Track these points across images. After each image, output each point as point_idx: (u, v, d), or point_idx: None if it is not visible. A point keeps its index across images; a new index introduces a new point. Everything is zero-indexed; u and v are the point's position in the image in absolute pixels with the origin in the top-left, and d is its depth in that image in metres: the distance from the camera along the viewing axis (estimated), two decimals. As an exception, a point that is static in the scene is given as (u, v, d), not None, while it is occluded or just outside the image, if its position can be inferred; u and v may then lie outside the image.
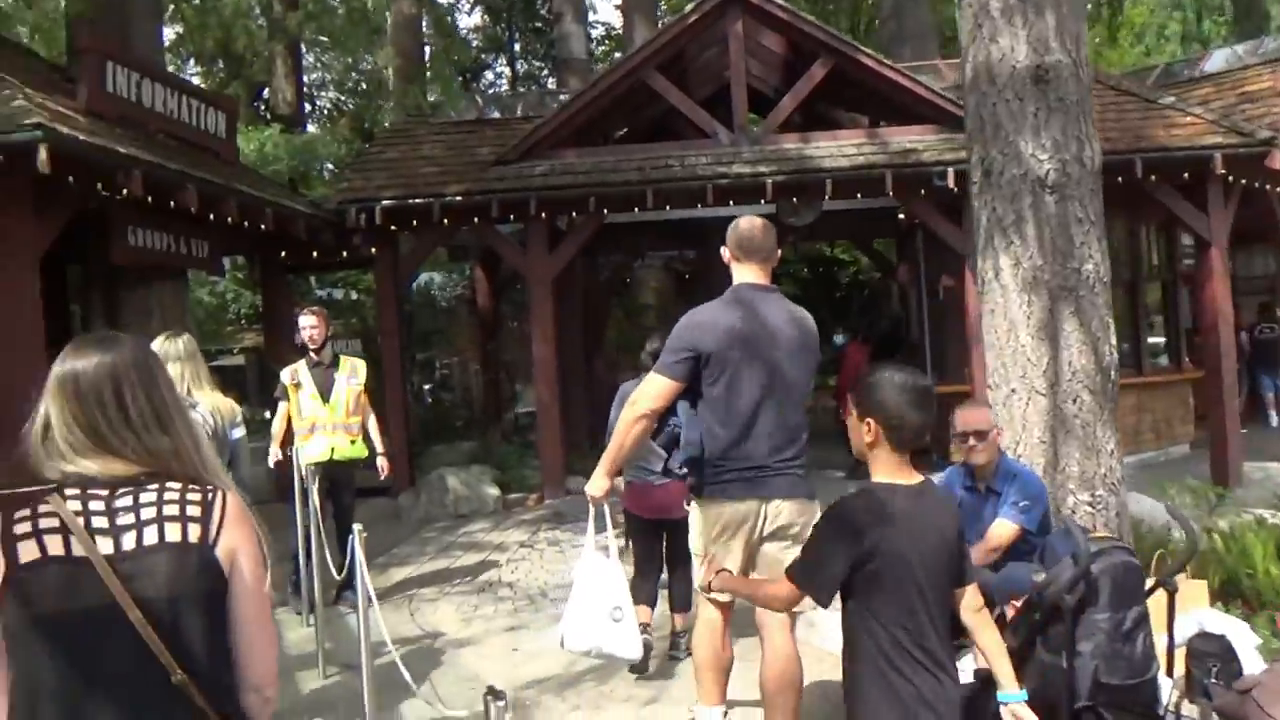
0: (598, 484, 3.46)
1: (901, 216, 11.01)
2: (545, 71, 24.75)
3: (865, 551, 2.13)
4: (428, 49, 23.29)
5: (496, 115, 11.06)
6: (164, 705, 1.45)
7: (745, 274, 3.33)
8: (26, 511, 1.46)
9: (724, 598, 3.28)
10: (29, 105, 5.84)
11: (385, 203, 9.12)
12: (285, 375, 6.21)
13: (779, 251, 3.42)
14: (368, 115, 22.86)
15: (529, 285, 9.81)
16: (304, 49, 25.29)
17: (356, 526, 3.28)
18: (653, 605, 4.78)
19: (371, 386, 6.30)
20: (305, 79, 25.97)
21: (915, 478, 2.25)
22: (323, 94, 32.09)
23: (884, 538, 2.14)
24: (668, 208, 9.78)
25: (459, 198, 9.19)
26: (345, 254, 9.76)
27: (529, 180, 9.44)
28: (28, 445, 1.56)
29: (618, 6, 19.07)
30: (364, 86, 29.06)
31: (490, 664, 4.98)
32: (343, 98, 29.37)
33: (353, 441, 6.11)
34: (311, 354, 6.16)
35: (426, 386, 14.90)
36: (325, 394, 6.08)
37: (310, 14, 22.05)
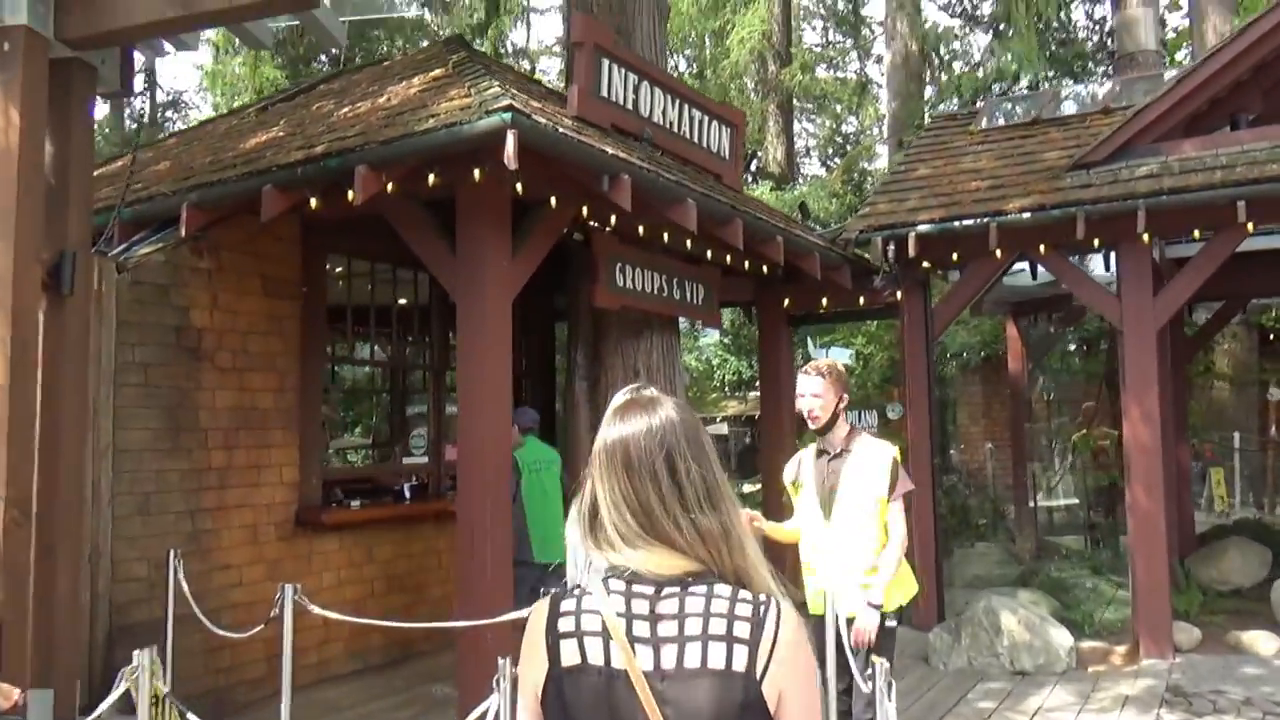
0: None
1: None
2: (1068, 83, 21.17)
3: None
4: (929, 89, 21.03)
5: (1064, 112, 8.26)
6: None
7: None
8: (572, 606, 1.32)
9: None
10: (503, 91, 4.51)
11: (921, 228, 6.83)
12: (789, 468, 4.01)
13: None
14: (857, 166, 21.02)
15: (1123, 338, 6.78)
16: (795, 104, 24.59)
17: None
18: None
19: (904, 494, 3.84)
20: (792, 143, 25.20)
21: None
22: (808, 160, 31.57)
23: None
24: (1361, 218, 6.23)
25: (1026, 214, 6.57)
26: (862, 300, 7.60)
27: (1130, 184, 6.50)
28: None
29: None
30: (848, 148, 27.76)
31: None
32: (830, 156, 28.29)
33: (865, 587, 3.67)
34: (821, 437, 3.91)
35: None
36: (828, 502, 3.79)
37: (805, 64, 21.11)
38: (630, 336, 6.78)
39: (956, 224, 6.76)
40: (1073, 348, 13.35)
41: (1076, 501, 12.24)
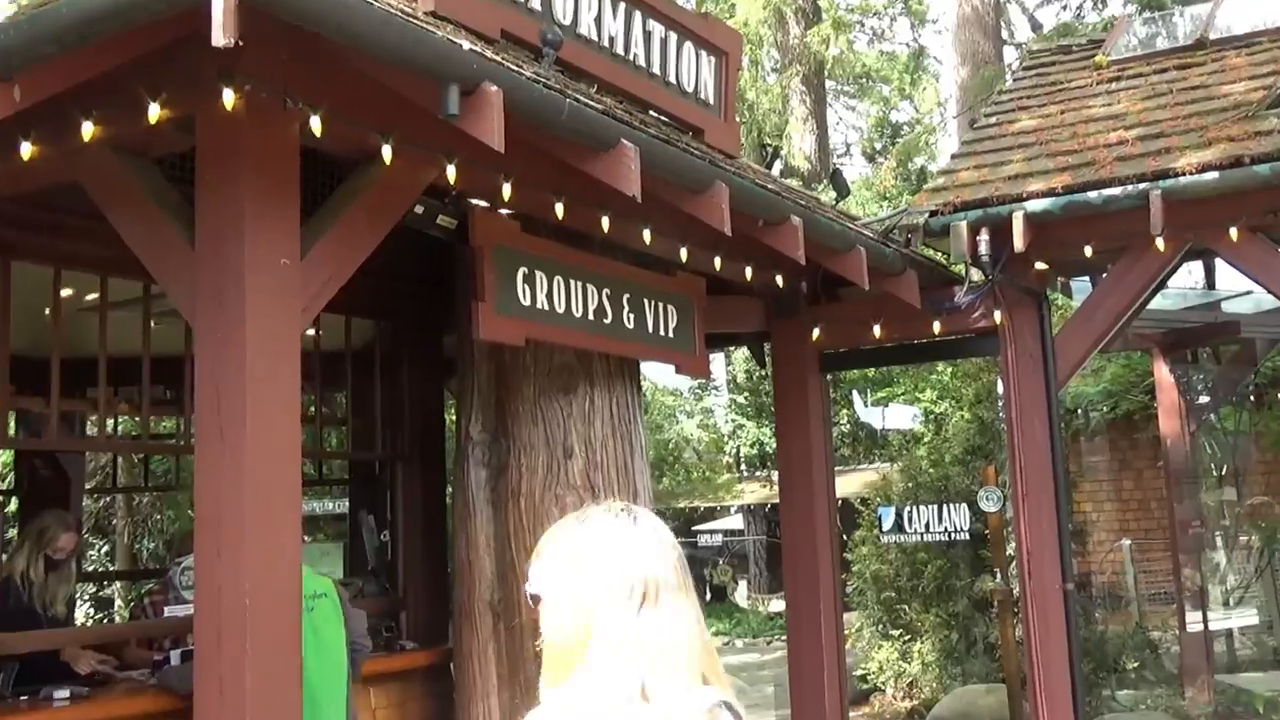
0: None
1: None
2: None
3: None
4: (1008, 49, 19.87)
5: (1234, 32, 6.96)
6: None
7: None
8: None
9: None
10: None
11: (1035, 204, 5.51)
12: None
13: None
14: (914, 158, 19.78)
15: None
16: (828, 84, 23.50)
17: None
18: None
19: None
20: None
21: None
22: (848, 159, 30.45)
23: None
24: None
25: (1212, 174, 5.17)
26: (937, 328, 6.14)
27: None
28: None
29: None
30: (897, 139, 26.60)
31: None
32: (878, 153, 27.15)
33: None
34: None
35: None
36: None
37: (839, 23, 19.94)
38: (556, 393, 5.32)
39: (1093, 195, 5.45)
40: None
41: (1259, 620, 10.70)
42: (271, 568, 3.40)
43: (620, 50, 5.13)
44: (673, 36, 5.45)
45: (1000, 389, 7.40)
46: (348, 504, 6.82)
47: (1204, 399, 10.31)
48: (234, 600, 3.32)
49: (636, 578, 1.68)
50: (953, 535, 7.53)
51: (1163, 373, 9.32)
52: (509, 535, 5.26)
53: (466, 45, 3.37)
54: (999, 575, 8.63)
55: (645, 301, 5.39)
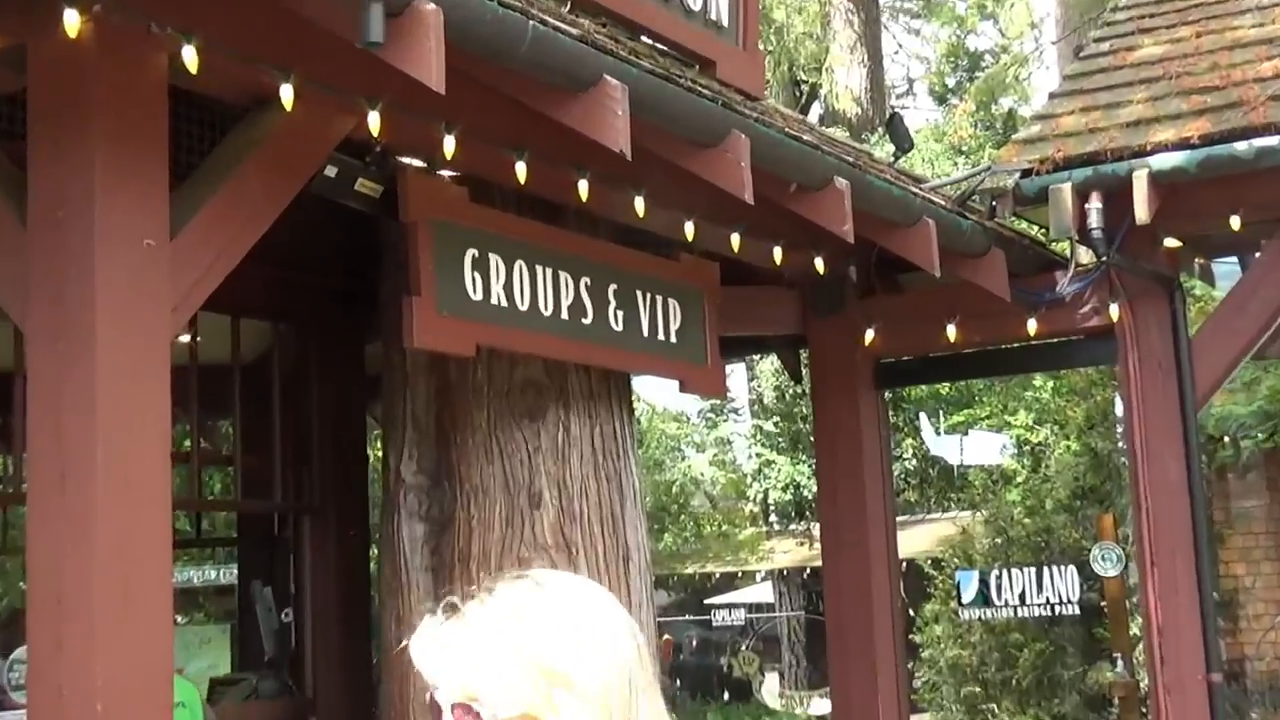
0: None
1: None
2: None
3: None
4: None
5: None
6: None
7: None
8: None
9: None
10: None
11: (1162, 159, 5.78)
12: None
13: None
14: (1004, 91, 20.12)
15: None
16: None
17: None
18: None
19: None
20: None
21: None
22: (910, 99, 30.82)
23: None
24: None
25: None
26: (1032, 327, 6.41)
27: None
28: None
29: None
30: (977, 73, 26.94)
31: None
32: (950, 91, 27.48)
33: None
34: None
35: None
36: None
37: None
38: (519, 420, 5.56)
39: (1241, 146, 5.70)
40: None
41: None
42: (132, 662, 3.51)
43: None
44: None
45: (1119, 410, 7.53)
46: (236, 572, 6.89)
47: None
48: (81, 706, 3.41)
49: (646, 650, 1.72)
50: (1057, 609, 7.61)
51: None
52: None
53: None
54: (1120, 663, 8.74)
55: (639, 294, 5.58)
